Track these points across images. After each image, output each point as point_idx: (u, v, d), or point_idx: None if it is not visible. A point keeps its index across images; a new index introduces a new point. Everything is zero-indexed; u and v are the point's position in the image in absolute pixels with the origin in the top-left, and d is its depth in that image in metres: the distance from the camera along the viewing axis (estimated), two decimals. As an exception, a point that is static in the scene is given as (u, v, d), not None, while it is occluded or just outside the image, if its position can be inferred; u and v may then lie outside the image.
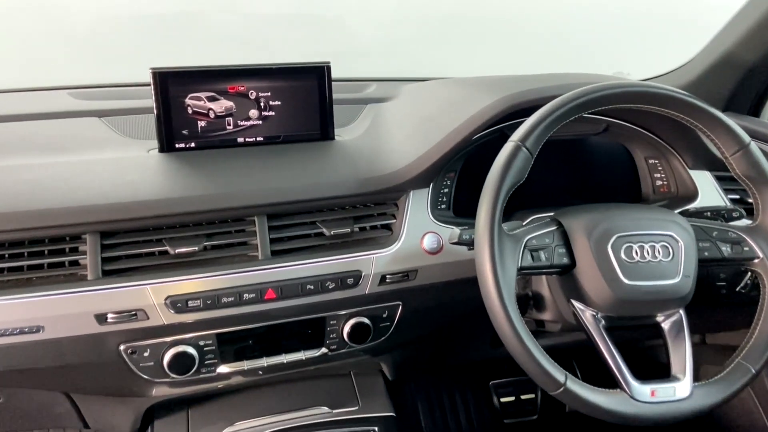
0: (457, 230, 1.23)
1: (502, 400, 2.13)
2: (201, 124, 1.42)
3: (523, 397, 2.13)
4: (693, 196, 1.55)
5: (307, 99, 1.48)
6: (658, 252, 1.18)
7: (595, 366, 1.75)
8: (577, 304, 1.22)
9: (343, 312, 1.39)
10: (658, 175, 1.61)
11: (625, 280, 1.16)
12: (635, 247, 1.17)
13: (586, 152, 1.66)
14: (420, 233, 1.39)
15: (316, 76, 1.48)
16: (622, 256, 1.17)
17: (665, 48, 2.68)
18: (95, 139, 1.46)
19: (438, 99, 1.62)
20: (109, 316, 1.20)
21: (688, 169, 1.56)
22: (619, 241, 1.17)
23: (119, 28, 2.23)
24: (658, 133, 1.56)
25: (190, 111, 1.41)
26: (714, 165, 1.53)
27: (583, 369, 2.10)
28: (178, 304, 1.23)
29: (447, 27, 2.74)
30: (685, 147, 1.54)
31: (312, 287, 1.31)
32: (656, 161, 1.60)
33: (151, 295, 1.22)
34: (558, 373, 1.09)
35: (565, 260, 1.19)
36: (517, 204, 1.33)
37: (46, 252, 1.20)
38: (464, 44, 2.70)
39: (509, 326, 1.07)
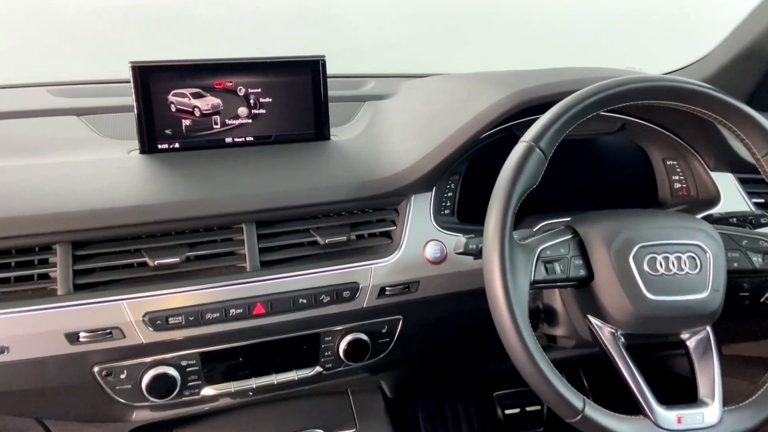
0: (462, 239, 1.13)
1: (507, 412, 2.04)
2: (186, 123, 1.34)
3: (528, 408, 2.04)
4: (714, 200, 1.46)
5: (300, 96, 1.40)
6: (685, 264, 1.08)
7: (602, 376, 1.66)
8: (594, 320, 1.12)
9: (339, 327, 1.31)
10: (677, 177, 1.52)
11: (649, 295, 1.06)
12: (659, 258, 1.08)
13: (599, 152, 1.57)
14: (422, 241, 1.31)
15: (310, 70, 1.39)
16: (645, 268, 1.07)
17: (676, 42, 2.62)
18: (72, 139, 1.37)
19: (441, 96, 1.53)
20: (81, 334, 1.11)
21: (709, 171, 1.47)
22: (641, 251, 1.07)
23: (103, 22, 2.14)
24: (678, 133, 1.47)
25: (173, 109, 1.33)
26: (737, 166, 1.45)
27: (590, 378, 2.04)
28: (158, 321, 1.14)
29: (449, 21, 2.66)
30: (707, 147, 1.45)
31: (305, 301, 1.22)
32: (675, 162, 1.51)
33: (127, 312, 1.13)
34: (576, 399, 1.00)
35: (582, 273, 1.09)
36: (525, 208, 1.23)
37: (12, 264, 1.11)
38: (467, 39, 2.63)
39: (522, 348, 0.98)
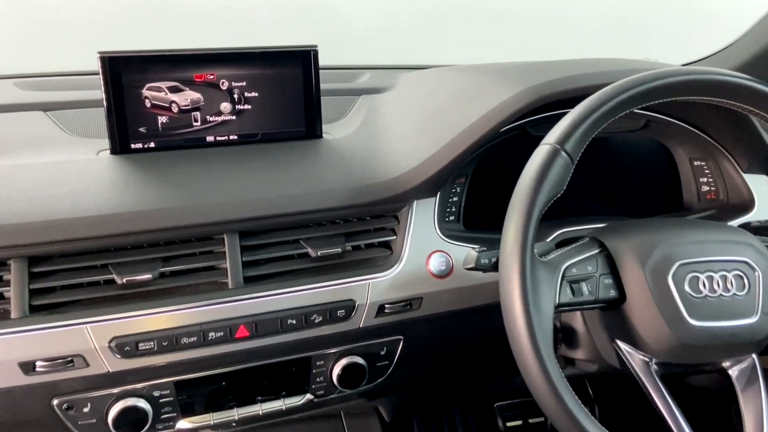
0: (473, 252, 1.01)
1: (509, 424, 1.95)
2: (162, 119, 1.24)
3: (531, 420, 1.95)
4: (747, 205, 1.35)
5: (289, 90, 1.31)
6: (731, 284, 0.97)
7: (608, 385, 1.60)
8: (623, 346, 1.01)
9: (333, 350, 1.21)
10: (705, 180, 1.41)
11: (691, 321, 0.94)
12: (702, 277, 0.96)
13: (618, 152, 1.47)
14: (425, 252, 1.20)
15: (301, 62, 1.29)
16: (687, 289, 0.95)
17: (684, 33, 2.54)
18: (36, 137, 1.26)
19: (444, 89, 1.43)
20: (38, 363, 1.00)
21: (741, 173, 1.36)
22: (682, 270, 0.96)
23: (79, 10, 2.03)
24: (707, 130, 1.36)
25: (148, 104, 1.23)
26: None
27: (595, 386, 1.94)
28: (126, 347, 1.03)
29: (450, 9, 2.56)
30: (740, 146, 1.34)
31: (294, 322, 1.12)
32: (703, 163, 1.40)
33: (91, 337, 1.02)
34: None
35: (613, 293, 0.97)
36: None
37: None
38: (468, 29, 2.54)
39: (547, 386, 0.85)
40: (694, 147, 1.39)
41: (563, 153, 0.91)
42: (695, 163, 1.41)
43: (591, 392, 1.93)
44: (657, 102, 0.96)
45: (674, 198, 1.46)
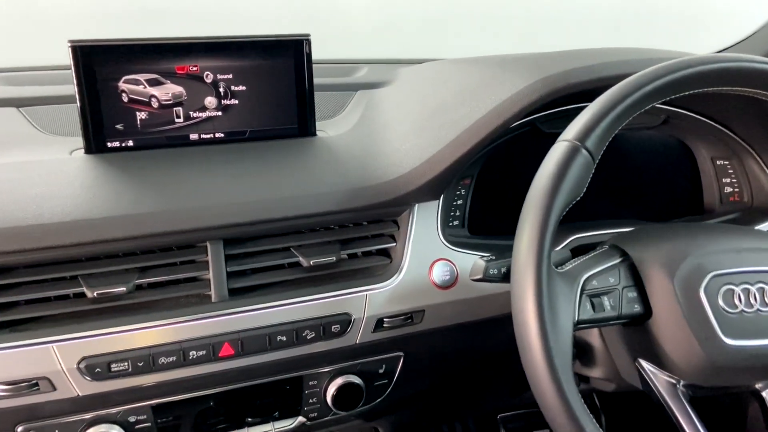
0: (481, 262, 0.93)
1: None
2: (141, 116, 1.17)
3: None
4: None
5: (280, 83, 1.24)
6: None
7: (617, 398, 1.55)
8: (647, 366, 0.93)
9: (327, 369, 1.15)
10: (728, 181, 1.34)
11: (726, 340, 0.86)
12: (738, 290, 0.88)
13: (633, 150, 1.39)
14: (428, 261, 1.13)
15: (293, 53, 1.23)
16: (721, 304, 0.87)
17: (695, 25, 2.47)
18: (6, 135, 1.19)
19: (446, 84, 1.35)
20: (0, 387, 0.93)
21: None
22: (715, 282, 0.88)
23: (59, 2, 1.95)
24: (732, 127, 1.29)
25: (125, 98, 1.15)
26: None
27: (603, 398, 1.86)
28: (97, 368, 0.96)
29: (452, 2, 2.50)
30: None
31: (284, 338, 1.05)
32: (726, 162, 1.34)
33: (58, 357, 0.94)
34: None
35: (637, 308, 0.89)
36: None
37: None
38: (470, 23, 2.47)
39: (567, 416, 0.77)
40: (717, 145, 1.33)
41: (584, 151, 0.83)
42: (718, 163, 1.34)
43: (597, 402, 1.88)
44: (686, 93, 0.88)
45: (694, 200, 1.40)
